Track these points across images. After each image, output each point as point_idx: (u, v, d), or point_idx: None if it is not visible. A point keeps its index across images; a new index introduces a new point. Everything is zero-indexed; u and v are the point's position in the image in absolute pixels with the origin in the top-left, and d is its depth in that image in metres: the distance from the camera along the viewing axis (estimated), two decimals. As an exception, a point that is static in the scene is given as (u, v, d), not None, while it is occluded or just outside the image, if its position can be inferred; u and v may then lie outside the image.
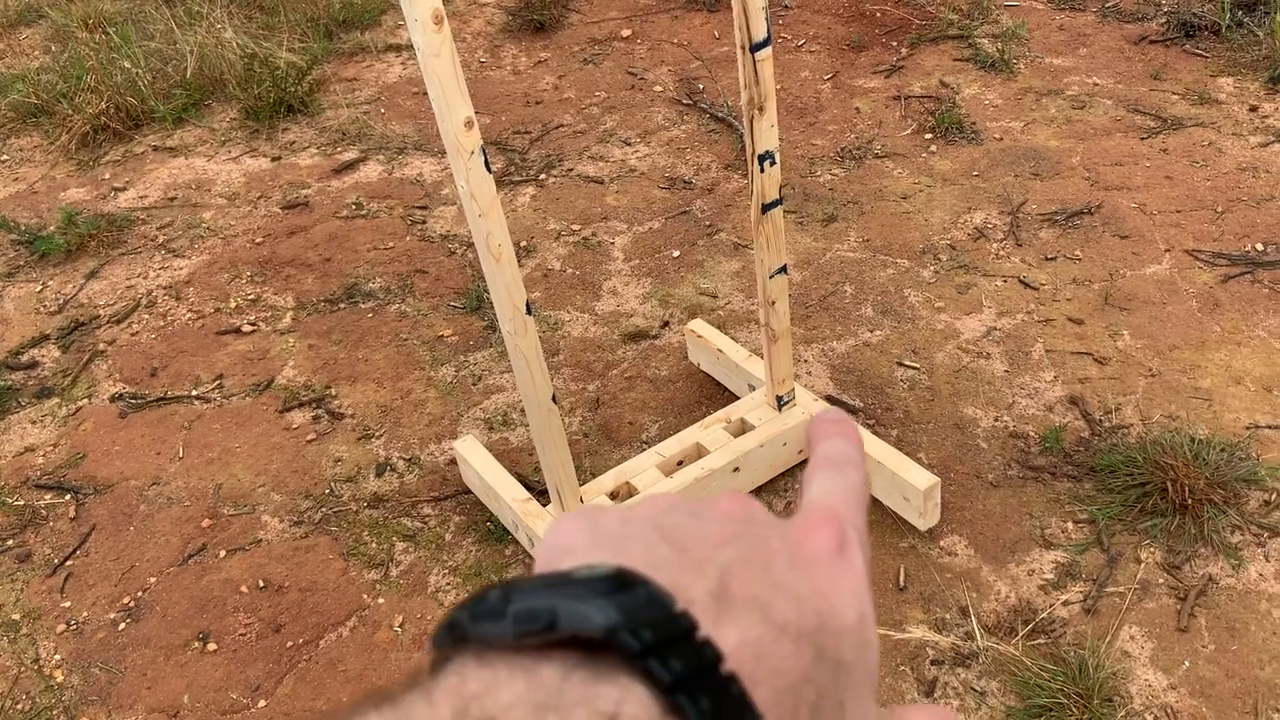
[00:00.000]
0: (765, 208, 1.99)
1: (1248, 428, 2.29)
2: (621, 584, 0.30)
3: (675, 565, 0.32)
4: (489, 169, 1.61)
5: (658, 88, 3.74)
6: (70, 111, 3.82)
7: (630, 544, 0.33)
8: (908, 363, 2.55)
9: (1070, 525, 2.14)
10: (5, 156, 3.82)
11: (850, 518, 0.37)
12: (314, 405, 2.64)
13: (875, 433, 2.27)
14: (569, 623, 0.29)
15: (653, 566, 0.32)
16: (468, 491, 2.36)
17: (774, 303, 2.11)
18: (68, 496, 2.48)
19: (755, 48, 1.78)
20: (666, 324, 2.75)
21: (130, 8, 4.57)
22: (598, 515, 0.35)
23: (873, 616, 0.35)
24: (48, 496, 2.49)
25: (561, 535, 0.35)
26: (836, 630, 0.33)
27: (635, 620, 0.29)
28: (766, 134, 1.89)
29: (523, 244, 3.08)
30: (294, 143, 3.68)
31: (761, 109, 1.86)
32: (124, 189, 3.55)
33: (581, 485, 2.12)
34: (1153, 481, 2.14)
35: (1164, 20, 3.72)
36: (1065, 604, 2.00)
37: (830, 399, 2.41)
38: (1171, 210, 2.91)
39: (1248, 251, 2.75)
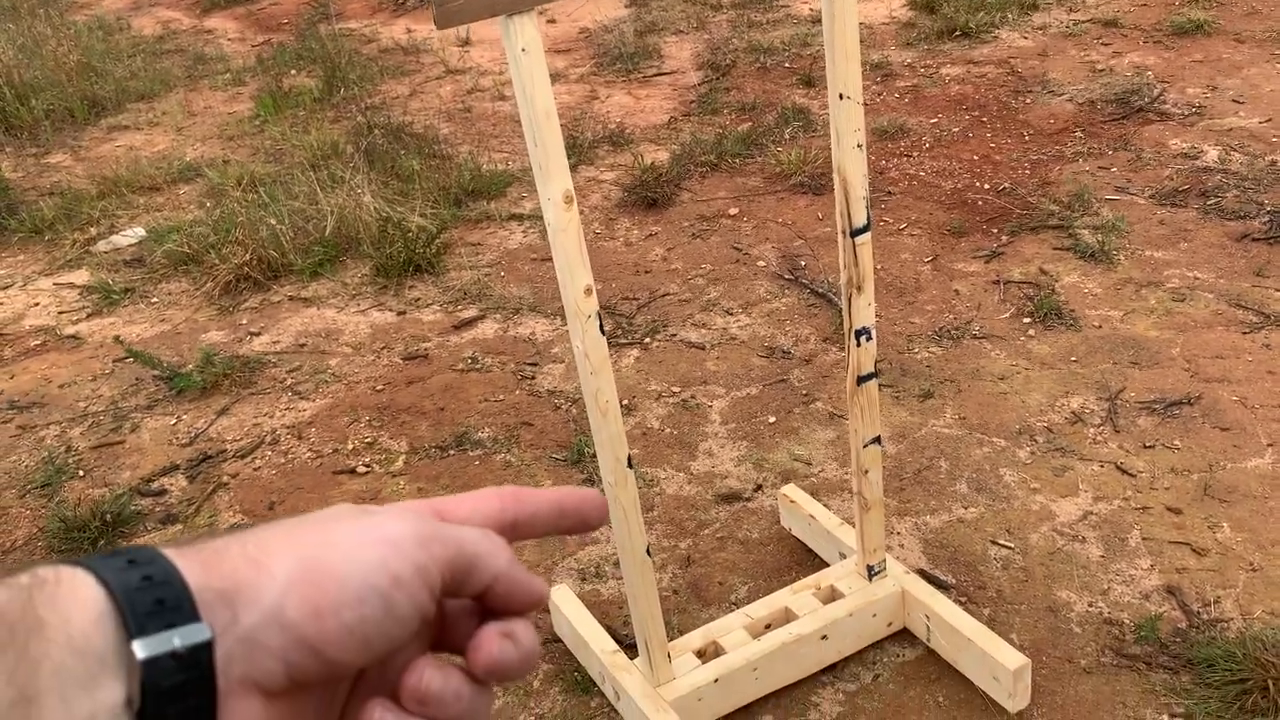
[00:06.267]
0: (861, 380, 2.08)
1: (1356, 630, 2.22)
2: None
3: None
4: (603, 331, 1.74)
5: (761, 262, 3.91)
6: (217, 261, 4.15)
7: None
8: (1002, 541, 2.55)
9: (1165, 718, 2.09)
10: (156, 299, 4.16)
11: None
12: (417, 547, 2.74)
13: (967, 610, 2.27)
14: None
15: None
16: (558, 640, 2.41)
17: (867, 472, 2.17)
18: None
19: (855, 233, 1.91)
20: (760, 487, 2.82)
21: (280, 170, 5.00)
22: None
23: None
24: (163, 618, 2.61)
25: None
26: None
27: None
28: (864, 311, 2.00)
29: (625, 403, 3.21)
30: (419, 299, 3.93)
31: (860, 288, 1.97)
32: (259, 334, 3.82)
33: (669, 641, 2.16)
34: (1253, 679, 2.08)
35: (1267, 218, 3.77)
36: (1160, 801, 1.94)
37: (923, 573, 2.42)
38: (1273, 405, 2.90)
39: (1355, 450, 2.71)
